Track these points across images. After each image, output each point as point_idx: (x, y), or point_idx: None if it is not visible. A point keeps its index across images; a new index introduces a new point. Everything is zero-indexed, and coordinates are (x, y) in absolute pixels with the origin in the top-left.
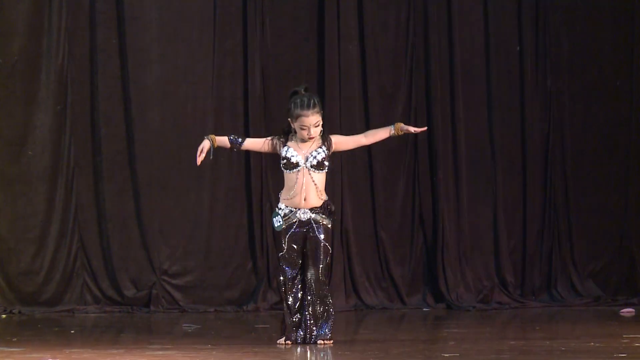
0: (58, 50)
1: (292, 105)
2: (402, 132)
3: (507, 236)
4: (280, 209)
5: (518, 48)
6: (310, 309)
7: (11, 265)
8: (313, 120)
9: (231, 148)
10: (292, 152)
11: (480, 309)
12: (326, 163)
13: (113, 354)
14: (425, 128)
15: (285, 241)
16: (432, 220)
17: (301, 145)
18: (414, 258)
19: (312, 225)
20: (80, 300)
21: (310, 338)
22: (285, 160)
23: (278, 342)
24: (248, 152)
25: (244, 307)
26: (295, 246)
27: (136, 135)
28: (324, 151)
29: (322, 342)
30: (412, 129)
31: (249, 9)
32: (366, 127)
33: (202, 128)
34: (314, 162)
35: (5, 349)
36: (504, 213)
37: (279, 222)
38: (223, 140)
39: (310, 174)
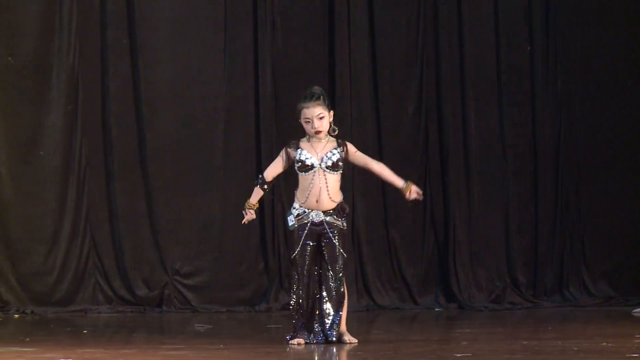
0: (69, 50)
1: (298, 102)
2: (407, 194)
3: (518, 236)
4: (295, 208)
5: (529, 48)
6: (324, 306)
7: (23, 265)
8: (315, 112)
9: (263, 189)
10: (306, 154)
11: (492, 309)
12: (340, 164)
13: (125, 353)
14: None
15: (297, 240)
16: (443, 220)
17: (315, 146)
18: (425, 258)
19: (326, 228)
20: (92, 300)
21: (324, 335)
22: (300, 163)
23: (290, 342)
24: (259, 153)
25: (256, 308)
26: (308, 246)
27: (147, 135)
28: (339, 152)
29: (349, 340)
30: (415, 193)
31: (259, 9)
32: (377, 127)
33: (213, 128)
34: (329, 163)
35: (18, 349)
36: (516, 213)
37: (292, 221)
38: (255, 194)
39: (325, 175)
